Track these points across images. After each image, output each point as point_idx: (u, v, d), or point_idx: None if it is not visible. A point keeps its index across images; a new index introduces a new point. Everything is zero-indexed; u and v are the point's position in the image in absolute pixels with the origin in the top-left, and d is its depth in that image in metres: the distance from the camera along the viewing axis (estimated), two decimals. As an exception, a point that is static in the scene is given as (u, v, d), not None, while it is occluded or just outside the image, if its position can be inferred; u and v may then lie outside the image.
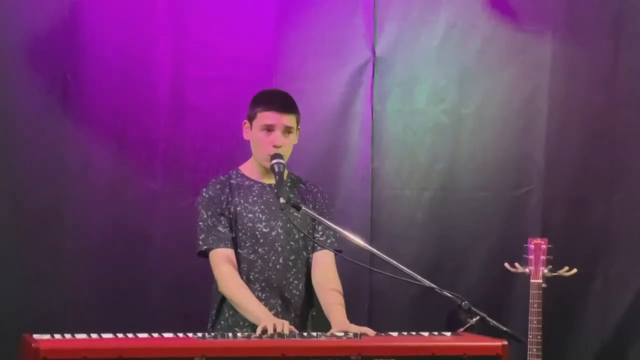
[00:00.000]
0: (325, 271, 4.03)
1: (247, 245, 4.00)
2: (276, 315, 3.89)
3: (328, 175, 5.11)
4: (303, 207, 3.92)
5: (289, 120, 4.01)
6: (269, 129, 3.98)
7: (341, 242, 4.07)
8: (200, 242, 3.99)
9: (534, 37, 5.26)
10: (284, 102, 4.04)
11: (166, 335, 3.54)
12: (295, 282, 4.03)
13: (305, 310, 4.08)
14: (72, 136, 4.78)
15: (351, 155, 5.15)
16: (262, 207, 4.02)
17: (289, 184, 4.07)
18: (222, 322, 4.02)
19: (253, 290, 3.96)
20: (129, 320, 4.37)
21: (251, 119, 4.03)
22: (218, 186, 4.04)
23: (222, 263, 3.95)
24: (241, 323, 3.94)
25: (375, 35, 5.13)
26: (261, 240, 4.00)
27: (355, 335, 3.55)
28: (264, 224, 4.01)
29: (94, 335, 3.44)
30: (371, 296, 5.13)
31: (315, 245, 4.06)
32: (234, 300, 3.92)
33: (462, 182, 5.26)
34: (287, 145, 4.02)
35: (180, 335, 3.59)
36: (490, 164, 5.26)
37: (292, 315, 3.99)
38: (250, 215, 4.00)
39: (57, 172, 4.76)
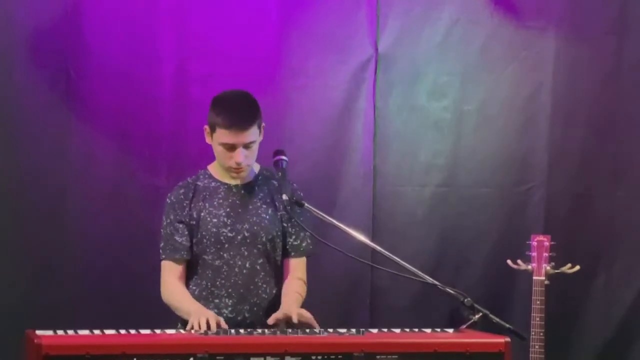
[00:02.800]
0: (294, 271, 3.98)
1: (212, 250, 3.90)
2: (243, 320, 3.85)
3: (330, 171, 5.12)
4: (306, 205, 3.90)
5: (248, 136, 3.82)
6: (229, 147, 3.84)
7: (315, 244, 4.01)
8: (160, 251, 3.95)
9: (536, 33, 5.26)
10: (242, 119, 3.82)
11: (169, 331, 3.55)
12: (264, 286, 3.93)
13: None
14: (75, 132, 4.79)
15: (353, 152, 5.15)
16: (228, 210, 3.92)
17: (259, 182, 3.98)
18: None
19: (220, 297, 3.89)
20: (131, 317, 4.38)
21: (211, 128, 3.87)
22: (182, 190, 3.95)
23: (169, 274, 3.91)
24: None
25: (378, 32, 5.13)
26: (226, 245, 3.90)
27: (358, 331, 3.55)
28: (229, 228, 3.90)
29: (97, 332, 3.44)
30: (373, 293, 5.14)
31: (289, 249, 3.99)
32: (172, 303, 3.88)
33: (464, 179, 5.26)
34: (250, 156, 3.88)
35: (183, 331, 3.59)
36: (493, 161, 5.26)
37: (264, 319, 3.88)
38: (215, 220, 3.90)
39: (60, 168, 4.77)
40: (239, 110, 3.87)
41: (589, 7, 5.26)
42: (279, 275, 3.99)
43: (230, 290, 3.90)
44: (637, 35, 5.29)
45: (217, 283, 3.90)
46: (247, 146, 3.84)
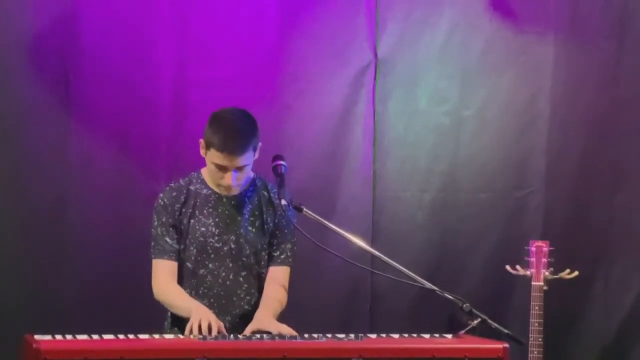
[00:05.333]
0: (275, 283, 3.97)
1: (197, 259, 3.92)
2: (226, 331, 3.80)
3: (329, 176, 5.12)
4: (304, 209, 3.90)
5: (242, 160, 3.83)
6: (221, 168, 3.85)
7: (295, 259, 4.02)
8: (151, 250, 3.95)
9: (535, 38, 5.25)
10: (237, 145, 3.81)
11: (167, 336, 3.55)
12: (247, 297, 3.95)
13: None
14: (74, 136, 4.79)
15: (353, 157, 5.15)
16: (217, 220, 3.93)
17: (249, 193, 3.99)
18: (175, 329, 3.95)
19: None
20: (130, 322, 4.38)
21: (206, 145, 3.87)
22: (174, 194, 3.94)
23: (159, 273, 3.91)
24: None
25: (377, 37, 5.13)
26: (212, 256, 3.92)
27: (357, 336, 3.55)
28: (216, 238, 3.92)
29: (95, 336, 3.45)
30: (372, 298, 5.13)
31: (268, 260, 3.99)
32: (168, 303, 3.88)
33: (464, 184, 5.25)
34: (241, 177, 3.89)
35: (181, 336, 3.60)
36: (492, 166, 5.26)
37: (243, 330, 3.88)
38: (203, 228, 3.92)
39: (59, 173, 4.77)
40: (234, 135, 3.85)
41: (587, 12, 5.25)
42: (262, 287, 3.99)
43: (212, 300, 3.91)
44: (636, 41, 5.28)
45: (200, 292, 3.92)
46: (239, 169, 3.86)
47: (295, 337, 3.55)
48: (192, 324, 3.64)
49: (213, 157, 3.84)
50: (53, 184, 4.76)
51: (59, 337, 3.42)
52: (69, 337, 3.43)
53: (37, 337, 3.36)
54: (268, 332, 3.68)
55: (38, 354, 3.18)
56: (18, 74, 4.72)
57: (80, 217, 4.78)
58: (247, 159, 3.85)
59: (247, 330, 3.76)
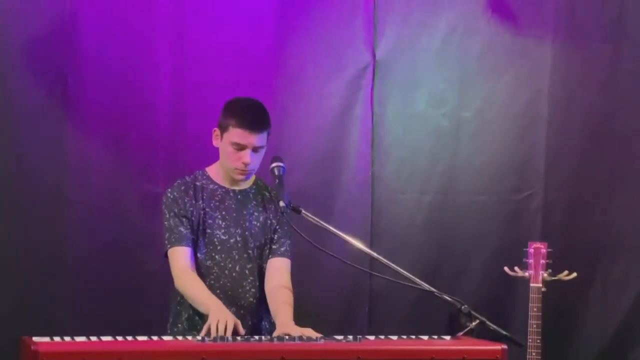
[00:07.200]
0: (278, 276, 4.01)
1: (204, 251, 3.98)
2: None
3: (328, 178, 5.12)
4: (303, 211, 3.91)
5: (259, 139, 3.94)
6: (239, 147, 3.93)
7: (293, 255, 4.06)
8: (166, 241, 3.96)
9: (534, 41, 5.26)
10: (256, 121, 3.95)
11: (165, 338, 3.55)
12: (253, 290, 4.00)
13: (264, 318, 4.05)
14: (72, 139, 4.79)
15: (351, 159, 5.16)
16: (223, 213, 4.00)
17: (253, 191, 4.06)
18: (179, 326, 4.00)
19: None
20: (128, 323, 4.38)
21: (222, 129, 3.96)
22: (182, 188, 4.00)
23: (178, 259, 3.92)
24: (198, 327, 3.85)
25: (376, 39, 5.14)
26: (218, 247, 3.98)
27: (355, 338, 3.55)
28: (222, 230, 3.99)
29: (93, 338, 3.44)
30: (371, 300, 5.14)
31: (269, 253, 4.03)
32: (188, 295, 3.90)
33: (462, 186, 5.26)
34: (256, 161, 3.98)
35: (180, 338, 3.60)
36: (490, 168, 5.26)
37: (250, 323, 3.96)
38: (210, 221, 3.98)
39: (57, 175, 4.77)
40: (253, 112, 3.99)
41: (585, 15, 5.26)
42: (263, 281, 4.04)
43: (218, 291, 3.94)
44: (633, 44, 5.29)
45: (207, 283, 3.94)
46: (255, 149, 3.94)
47: (293, 339, 3.55)
48: (210, 324, 3.65)
49: (232, 136, 3.92)
50: (51, 186, 4.75)
51: (57, 338, 3.41)
52: (67, 338, 3.42)
53: (35, 338, 3.35)
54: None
55: (36, 356, 3.17)
56: (16, 78, 4.72)
57: (78, 219, 4.78)
58: (263, 139, 3.95)
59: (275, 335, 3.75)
